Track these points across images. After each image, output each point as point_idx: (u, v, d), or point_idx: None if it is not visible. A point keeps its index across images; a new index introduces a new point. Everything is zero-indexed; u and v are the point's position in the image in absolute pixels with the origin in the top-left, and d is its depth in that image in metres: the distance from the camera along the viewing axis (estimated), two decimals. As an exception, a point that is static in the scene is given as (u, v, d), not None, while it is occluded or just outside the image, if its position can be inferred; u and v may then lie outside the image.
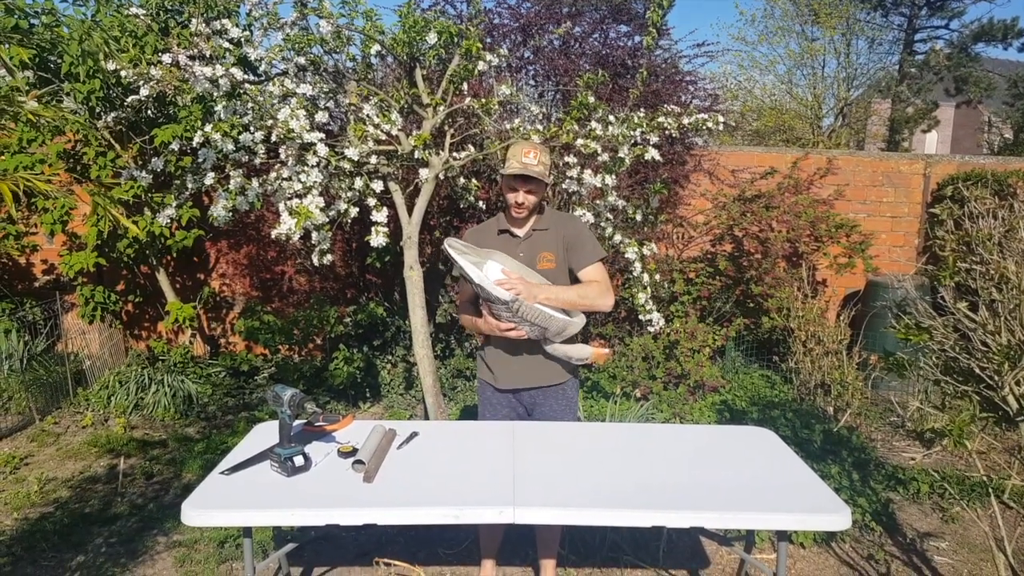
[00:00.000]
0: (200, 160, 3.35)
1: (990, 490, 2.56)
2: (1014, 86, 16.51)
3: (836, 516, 1.77)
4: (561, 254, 2.33)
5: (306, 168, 3.11)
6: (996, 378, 2.33)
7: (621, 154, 3.43)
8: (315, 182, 3.09)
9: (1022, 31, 15.28)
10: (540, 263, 2.32)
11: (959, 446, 2.18)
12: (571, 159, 3.47)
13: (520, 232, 2.34)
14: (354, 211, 3.31)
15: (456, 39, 3.43)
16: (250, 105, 3.22)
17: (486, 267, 2.22)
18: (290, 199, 3.11)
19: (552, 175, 3.49)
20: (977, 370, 2.38)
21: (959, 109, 18.90)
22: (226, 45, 3.24)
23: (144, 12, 3.92)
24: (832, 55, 13.67)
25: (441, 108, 3.45)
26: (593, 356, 2.30)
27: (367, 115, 3.27)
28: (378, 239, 3.17)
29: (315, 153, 3.08)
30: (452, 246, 2.17)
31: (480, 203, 4.00)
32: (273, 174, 3.25)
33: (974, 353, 2.41)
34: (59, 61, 3.76)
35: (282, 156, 3.19)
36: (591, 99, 3.52)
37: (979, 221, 2.61)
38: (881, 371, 4.52)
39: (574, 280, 2.36)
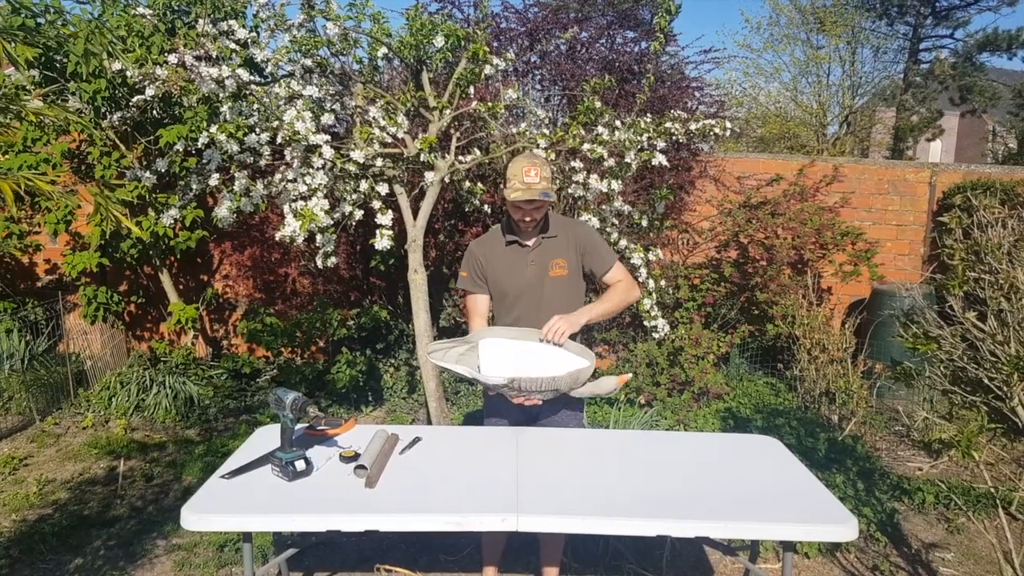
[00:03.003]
0: (205, 161, 3.34)
1: (997, 501, 2.53)
2: (1018, 96, 16.52)
3: (843, 527, 1.74)
4: (574, 261, 2.32)
5: (311, 170, 3.10)
6: (1005, 389, 2.30)
7: (627, 159, 3.41)
8: (320, 184, 3.08)
9: (1027, 41, 15.28)
10: (553, 270, 2.30)
11: (967, 457, 2.15)
12: (577, 164, 3.46)
13: (529, 241, 2.32)
14: (359, 214, 3.30)
15: (463, 43, 3.42)
16: (256, 106, 3.21)
17: (482, 348, 2.17)
18: (295, 201, 3.09)
19: (557, 181, 3.48)
20: (986, 380, 2.35)
21: (963, 118, 18.91)
22: (232, 46, 3.24)
23: (151, 12, 3.92)
24: (837, 63, 13.70)
25: (447, 111, 3.44)
26: (619, 384, 2.26)
27: (373, 117, 3.26)
28: (382, 242, 3.16)
29: (320, 155, 3.07)
30: (433, 352, 2.17)
31: (485, 207, 3.98)
32: (278, 176, 3.24)
33: (982, 363, 2.39)
34: (65, 60, 3.76)
35: (287, 158, 3.18)
36: (597, 104, 3.51)
37: (988, 230, 2.59)
38: (887, 380, 4.50)
39: (589, 282, 2.39)
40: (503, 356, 2.14)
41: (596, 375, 2.24)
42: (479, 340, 2.20)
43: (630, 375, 2.42)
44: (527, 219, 2.25)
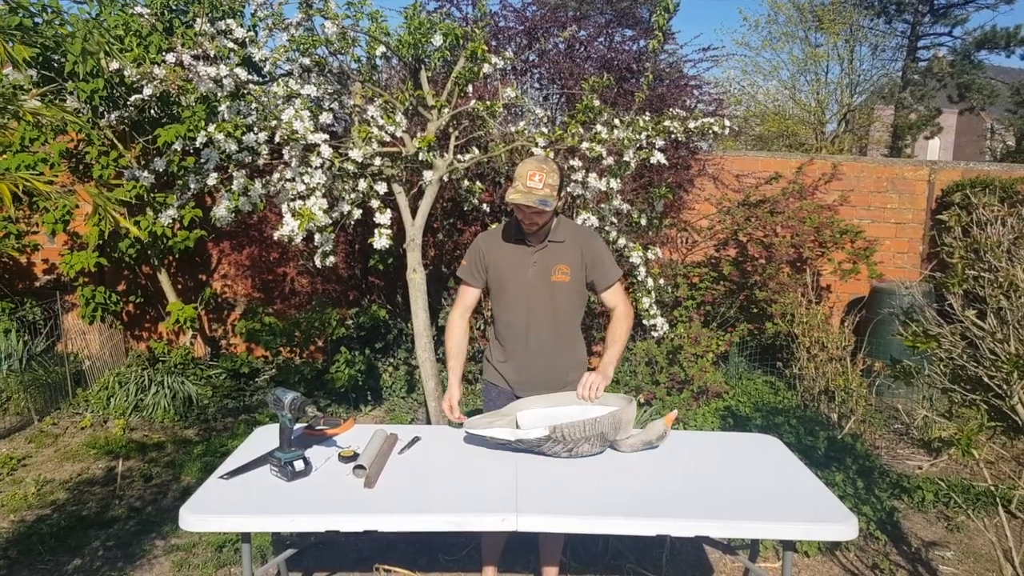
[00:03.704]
0: (203, 160, 3.33)
1: (997, 499, 2.53)
2: (1016, 93, 16.52)
3: (843, 526, 1.74)
4: (579, 269, 2.30)
5: (309, 169, 3.09)
6: (1005, 387, 2.30)
7: (626, 158, 3.40)
8: (318, 184, 3.07)
9: (1025, 39, 15.26)
10: (555, 275, 2.27)
11: (967, 455, 2.15)
12: (576, 162, 3.45)
13: (535, 242, 2.30)
14: (357, 213, 3.29)
15: (461, 41, 3.42)
16: (254, 106, 3.20)
17: (520, 417, 2.20)
18: (293, 200, 3.09)
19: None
20: (985, 378, 2.35)
21: (962, 116, 18.90)
22: (230, 45, 3.23)
23: (148, 12, 3.91)
24: (836, 61, 13.71)
25: (446, 110, 3.43)
26: (668, 425, 2.24)
27: (371, 117, 3.25)
28: (381, 241, 3.15)
29: (319, 154, 3.06)
30: (471, 427, 2.16)
31: (484, 206, 3.97)
32: (276, 175, 3.23)
33: (982, 361, 2.38)
34: (63, 60, 3.75)
35: (286, 157, 3.17)
36: (596, 102, 3.50)
37: (987, 228, 2.59)
38: (887, 378, 4.50)
39: (591, 291, 2.38)
40: (541, 419, 2.17)
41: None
42: (516, 412, 2.23)
43: (676, 411, 2.40)
44: (527, 222, 2.23)
